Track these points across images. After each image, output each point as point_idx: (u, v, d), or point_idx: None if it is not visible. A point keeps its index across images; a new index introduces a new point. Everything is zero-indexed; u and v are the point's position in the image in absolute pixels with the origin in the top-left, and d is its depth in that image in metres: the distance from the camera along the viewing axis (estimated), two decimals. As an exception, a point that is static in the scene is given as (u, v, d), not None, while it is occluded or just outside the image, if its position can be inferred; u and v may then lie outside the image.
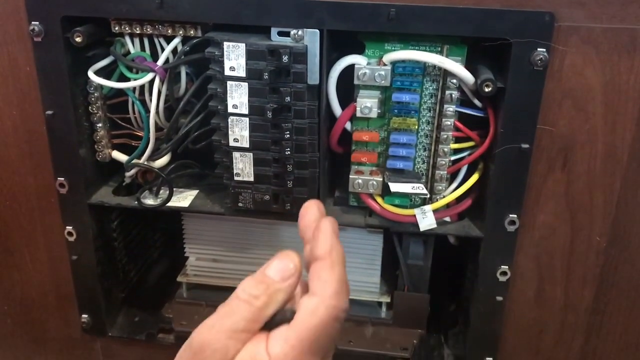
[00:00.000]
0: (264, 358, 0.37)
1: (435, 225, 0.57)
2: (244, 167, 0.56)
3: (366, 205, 0.58)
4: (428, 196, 0.57)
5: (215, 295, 0.70)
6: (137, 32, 0.55)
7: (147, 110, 0.58)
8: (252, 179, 0.56)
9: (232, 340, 0.38)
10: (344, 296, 0.39)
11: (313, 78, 0.51)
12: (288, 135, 0.53)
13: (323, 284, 0.39)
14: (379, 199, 0.58)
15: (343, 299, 0.39)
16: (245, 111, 0.53)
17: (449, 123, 0.54)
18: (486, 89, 0.50)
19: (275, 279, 0.40)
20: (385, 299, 0.69)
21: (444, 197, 0.57)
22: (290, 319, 0.38)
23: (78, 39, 0.54)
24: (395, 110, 0.54)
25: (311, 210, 0.43)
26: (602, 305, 0.59)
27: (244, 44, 0.51)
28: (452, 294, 0.70)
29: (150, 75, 0.56)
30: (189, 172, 0.64)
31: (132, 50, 0.57)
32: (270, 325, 0.39)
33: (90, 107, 0.59)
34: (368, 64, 0.53)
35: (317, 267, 0.40)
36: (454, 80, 0.52)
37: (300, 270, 0.41)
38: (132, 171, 0.62)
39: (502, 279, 0.57)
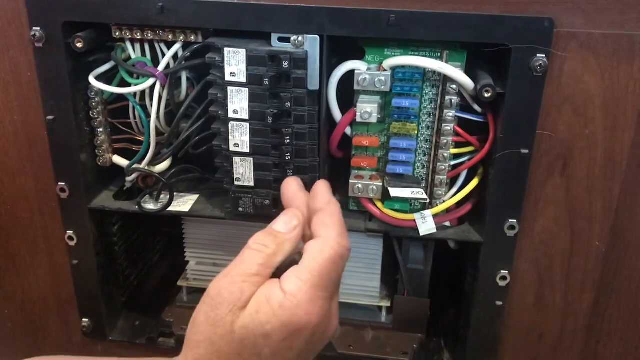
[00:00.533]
0: (279, 294, 0.41)
1: (435, 230, 0.57)
2: (244, 172, 0.56)
3: (366, 210, 0.58)
4: (428, 201, 0.57)
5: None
6: (138, 37, 0.55)
7: (148, 115, 0.58)
8: (252, 183, 0.56)
9: (246, 283, 0.41)
10: (346, 237, 0.44)
11: (313, 83, 0.51)
12: (288, 141, 0.53)
13: (327, 228, 0.44)
14: (379, 204, 0.58)
15: (346, 239, 0.44)
16: (246, 116, 0.53)
17: (448, 128, 0.54)
18: (486, 95, 0.51)
19: (282, 231, 0.45)
20: (385, 304, 0.69)
21: (443, 201, 0.57)
22: (298, 263, 0.43)
23: (79, 45, 0.54)
24: (395, 116, 0.54)
25: (291, 182, 0.50)
26: (602, 310, 0.59)
27: (244, 50, 0.51)
28: (452, 298, 0.70)
29: (151, 81, 0.56)
30: (189, 177, 0.64)
31: (133, 56, 0.57)
32: (280, 272, 0.43)
33: (91, 112, 0.59)
34: (368, 69, 0.53)
35: (319, 216, 0.45)
36: (454, 86, 0.52)
37: (304, 224, 0.46)
38: (133, 176, 0.62)
39: (502, 283, 0.57)
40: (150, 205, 0.61)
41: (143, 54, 0.57)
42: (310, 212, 0.47)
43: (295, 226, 0.45)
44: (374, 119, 0.53)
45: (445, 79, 0.52)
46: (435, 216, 0.57)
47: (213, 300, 0.42)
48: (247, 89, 0.52)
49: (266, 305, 0.40)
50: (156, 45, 0.56)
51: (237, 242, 0.67)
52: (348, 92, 0.55)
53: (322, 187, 0.48)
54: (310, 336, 0.41)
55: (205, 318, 0.41)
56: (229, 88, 0.52)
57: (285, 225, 0.45)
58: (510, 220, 0.55)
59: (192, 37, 0.54)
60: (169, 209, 0.61)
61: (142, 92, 0.57)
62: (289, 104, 0.52)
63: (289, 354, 0.41)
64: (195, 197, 0.63)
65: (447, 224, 0.58)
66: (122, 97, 0.59)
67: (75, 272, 0.64)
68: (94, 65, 0.57)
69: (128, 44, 0.57)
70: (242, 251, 0.44)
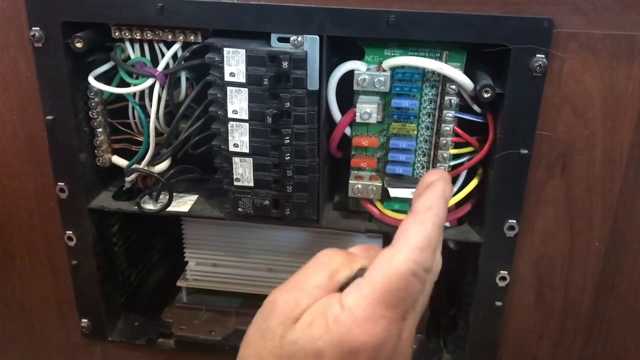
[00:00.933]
0: (337, 308, 0.35)
1: (434, 231, 0.57)
2: (243, 172, 0.56)
3: (366, 210, 0.58)
4: (427, 201, 0.57)
5: (215, 299, 0.70)
6: (138, 37, 0.55)
7: (147, 116, 0.58)
8: (251, 184, 0.56)
9: (304, 293, 0.37)
10: (427, 254, 0.36)
11: (313, 84, 0.51)
12: (288, 141, 0.53)
13: (406, 237, 0.37)
14: (379, 204, 0.58)
15: (425, 256, 0.36)
16: (245, 116, 0.53)
17: (448, 129, 0.54)
18: (485, 95, 0.51)
19: (355, 251, 0.41)
20: (385, 304, 0.69)
21: (443, 202, 0.57)
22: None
23: (78, 45, 0.54)
24: (395, 116, 0.54)
25: (433, 174, 0.42)
26: (602, 310, 0.59)
27: (244, 50, 0.51)
28: (452, 299, 0.70)
29: (150, 81, 0.56)
30: (188, 177, 0.64)
31: (132, 56, 0.57)
32: (345, 288, 0.37)
33: (90, 112, 0.59)
34: (367, 69, 0.53)
35: (407, 220, 0.38)
36: (453, 86, 0.52)
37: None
38: (132, 176, 0.62)
39: (502, 284, 0.57)
40: (149, 206, 0.61)
41: (142, 54, 0.57)
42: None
43: (372, 254, 0.39)
44: (373, 119, 0.53)
45: (445, 80, 0.52)
46: (434, 216, 0.57)
47: (266, 311, 0.38)
48: (246, 89, 0.52)
49: (320, 318, 0.35)
50: (155, 45, 0.56)
51: (237, 243, 0.67)
52: (347, 93, 0.55)
53: (437, 187, 0.40)
54: None
55: (257, 330, 0.38)
56: (229, 88, 0.52)
57: (362, 250, 0.41)
58: (509, 221, 0.55)
59: (192, 37, 0.54)
60: (169, 209, 0.61)
61: (142, 93, 0.57)
62: (288, 104, 0.52)
63: None
64: (194, 197, 0.63)
65: (447, 224, 0.58)
66: (121, 98, 0.59)
67: (75, 272, 0.64)
68: (94, 66, 0.57)
69: (127, 44, 0.56)
70: (308, 262, 0.39)
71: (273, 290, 0.38)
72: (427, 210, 0.38)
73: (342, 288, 0.37)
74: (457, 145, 0.56)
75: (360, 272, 0.38)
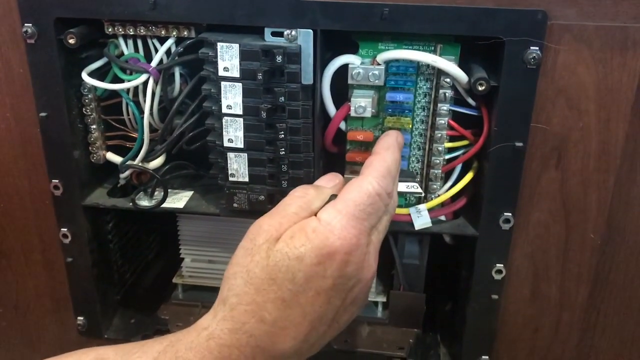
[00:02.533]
0: (315, 222, 0.42)
1: (430, 224, 0.57)
2: (238, 168, 0.56)
3: (361, 205, 0.58)
4: (423, 195, 0.57)
5: (211, 296, 0.70)
6: (131, 33, 0.55)
7: (141, 112, 0.58)
8: (247, 179, 0.56)
9: (284, 219, 0.43)
10: (388, 180, 0.45)
11: (307, 78, 0.51)
12: (282, 136, 0.53)
13: (370, 167, 0.46)
14: (374, 199, 0.57)
15: (387, 181, 0.45)
16: (240, 112, 0.53)
17: (443, 122, 0.54)
18: (480, 88, 0.51)
19: (322, 184, 0.49)
20: (381, 299, 0.69)
21: (438, 195, 0.57)
22: None
23: (71, 41, 0.54)
24: (390, 110, 0.54)
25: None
26: (598, 303, 0.59)
27: (237, 45, 0.51)
28: (448, 293, 0.70)
29: (144, 77, 0.56)
30: (183, 173, 0.64)
31: (125, 52, 0.57)
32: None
33: (84, 109, 0.59)
34: (362, 63, 0.53)
35: (369, 159, 0.47)
36: (448, 79, 0.52)
37: (343, 181, 0.49)
38: (127, 172, 0.62)
39: (497, 277, 0.57)
40: (144, 202, 0.61)
41: (136, 49, 0.57)
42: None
43: (336, 183, 0.49)
44: (368, 113, 0.53)
45: (439, 73, 0.52)
46: (430, 210, 0.57)
47: (251, 234, 0.44)
48: (240, 84, 0.52)
49: (301, 232, 0.42)
50: (149, 41, 0.56)
51: (232, 238, 0.67)
52: (342, 87, 0.55)
53: (389, 135, 0.50)
54: (343, 264, 0.42)
55: (244, 251, 0.43)
56: (223, 83, 0.52)
57: (327, 181, 0.49)
58: (505, 214, 0.55)
59: (185, 33, 0.54)
60: (164, 205, 0.60)
61: (135, 89, 0.57)
62: (282, 98, 0.52)
63: (323, 282, 0.42)
64: (189, 193, 0.63)
65: (442, 218, 0.58)
66: (115, 94, 0.58)
67: (70, 270, 0.64)
68: (87, 62, 0.57)
69: (121, 40, 0.56)
70: (284, 198, 0.46)
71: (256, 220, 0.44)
72: (386, 149, 0.48)
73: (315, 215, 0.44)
74: (452, 139, 0.56)
75: (331, 198, 0.45)
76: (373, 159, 0.47)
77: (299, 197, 0.45)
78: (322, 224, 0.42)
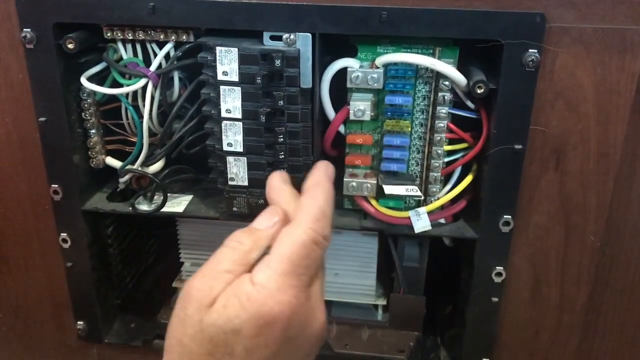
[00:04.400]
0: (249, 287, 0.38)
1: (430, 227, 0.57)
2: (238, 172, 0.56)
3: (361, 208, 0.58)
4: (422, 198, 0.57)
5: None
6: (130, 38, 0.55)
7: (141, 116, 0.58)
8: (246, 183, 0.56)
9: (216, 280, 0.39)
10: (323, 223, 0.41)
11: (306, 82, 0.51)
12: (282, 139, 0.53)
13: (302, 211, 0.41)
14: (374, 202, 0.58)
15: (322, 225, 0.41)
16: (239, 115, 0.53)
17: (442, 125, 0.54)
18: (478, 91, 0.51)
19: (261, 228, 0.42)
20: (381, 302, 0.69)
21: (438, 198, 0.57)
22: None
23: (70, 46, 0.54)
24: (389, 113, 0.54)
25: (275, 177, 0.48)
26: (597, 305, 0.59)
27: (236, 49, 0.51)
28: (448, 295, 0.70)
29: (143, 81, 0.56)
30: (183, 177, 0.64)
31: (124, 56, 0.57)
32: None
33: (83, 114, 0.59)
34: (361, 67, 0.53)
35: (300, 200, 0.43)
36: (447, 82, 0.52)
37: (284, 221, 0.43)
38: (126, 177, 0.62)
39: (497, 279, 0.57)
40: (144, 206, 0.61)
41: (135, 54, 0.57)
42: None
43: (275, 222, 0.42)
44: (367, 116, 0.53)
45: (438, 76, 0.52)
46: (429, 213, 0.57)
47: (182, 300, 0.39)
48: (239, 88, 0.52)
49: (234, 299, 0.38)
50: (148, 45, 0.56)
51: (232, 242, 0.67)
52: (341, 90, 0.55)
53: (319, 167, 0.46)
54: (285, 330, 0.38)
55: (176, 319, 0.39)
56: (222, 87, 0.52)
57: (264, 222, 0.43)
58: (504, 216, 0.55)
59: (184, 37, 0.54)
60: (163, 209, 0.60)
61: (135, 93, 0.57)
62: (281, 102, 0.52)
63: (266, 352, 0.38)
64: (189, 197, 0.63)
65: (442, 220, 0.58)
66: (114, 98, 0.58)
67: (70, 274, 0.64)
68: (86, 66, 0.57)
69: (120, 45, 0.56)
70: (218, 250, 0.42)
71: (189, 279, 0.40)
72: (316, 186, 0.44)
73: (252, 268, 0.40)
74: (451, 142, 0.56)
75: (267, 250, 0.40)
76: (303, 201, 0.43)
77: (233, 250, 0.41)
78: (256, 288, 0.38)
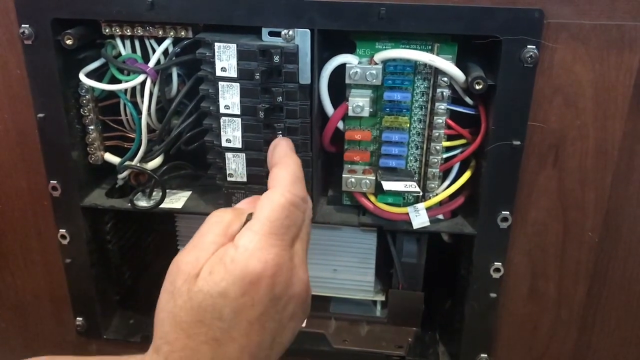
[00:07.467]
0: (232, 251, 0.40)
1: (428, 223, 0.57)
2: (236, 168, 0.56)
3: (359, 204, 0.58)
4: (421, 194, 0.57)
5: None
6: (128, 33, 0.55)
7: (139, 112, 0.58)
8: (245, 179, 0.56)
9: (202, 251, 0.41)
10: (298, 186, 0.44)
11: (304, 78, 0.51)
12: (280, 135, 0.53)
13: (278, 180, 0.44)
14: (372, 198, 0.58)
15: (298, 187, 0.44)
16: (237, 112, 0.53)
17: (440, 121, 0.54)
18: (477, 87, 0.51)
19: (240, 207, 0.46)
20: (380, 298, 0.69)
21: (436, 194, 0.58)
22: None
23: (69, 42, 0.54)
24: (387, 109, 0.54)
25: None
26: (595, 300, 0.59)
27: (235, 45, 0.51)
28: (447, 291, 0.70)
29: (141, 77, 0.56)
30: (181, 174, 0.64)
31: (123, 52, 0.57)
32: None
33: (82, 110, 0.59)
34: (359, 63, 0.53)
35: (273, 172, 0.46)
36: (445, 78, 0.52)
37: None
38: (125, 173, 0.62)
39: (496, 275, 0.58)
40: (142, 203, 0.61)
41: (133, 50, 0.57)
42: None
43: (254, 198, 0.45)
44: (366, 112, 0.53)
45: (437, 72, 0.52)
46: (428, 209, 0.57)
47: (171, 275, 0.41)
48: (238, 84, 0.52)
49: (219, 265, 0.39)
50: (146, 41, 0.56)
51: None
52: (340, 86, 0.55)
53: (280, 144, 0.49)
54: (270, 287, 0.39)
55: (166, 293, 0.40)
56: (220, 83, 0.52)
57: (246, 203, 0.46)
58: (503, 212, 0.55)
59: (183, 33, 0.54)
60: (162, 206, 0.60)
61: (133, 89, 0.57)
62: (280, 98, 0.52)
63: (253, 312, 0.39)
64: (187, 193, 0.63)
65: (440, 216, 0.58)
66: (112, 94, 0.58)
67: (69, 270, 0.64)
68: (84, 63, 0.57)
69: (118, 41, 0.56)
70: (201, 225, 0.44)
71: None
72: (284, 156, 0.47)
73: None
74: (449, 138, 0.56)
75: (249, 218, 0.42)
76: (276, 171, 0.45)
77: (216, 223, 0.42)
78: (239, 250, 0.39)
